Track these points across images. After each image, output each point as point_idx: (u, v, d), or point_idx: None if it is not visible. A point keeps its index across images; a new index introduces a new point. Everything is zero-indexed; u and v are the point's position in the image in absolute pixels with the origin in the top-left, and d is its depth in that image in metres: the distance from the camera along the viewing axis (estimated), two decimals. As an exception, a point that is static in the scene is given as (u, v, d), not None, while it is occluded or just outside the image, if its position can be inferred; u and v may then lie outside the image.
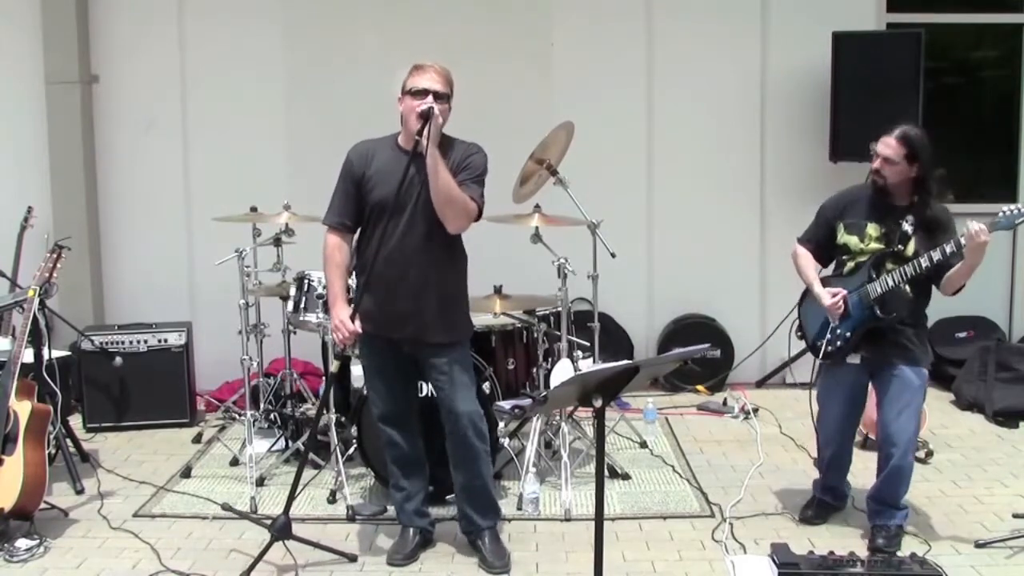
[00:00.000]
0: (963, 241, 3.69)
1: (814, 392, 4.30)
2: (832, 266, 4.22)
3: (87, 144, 6.38)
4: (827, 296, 4.02)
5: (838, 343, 4.05)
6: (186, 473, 4.94)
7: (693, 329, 6.48)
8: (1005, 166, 6.75)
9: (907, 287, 3.92)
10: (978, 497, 4.57)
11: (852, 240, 4.05)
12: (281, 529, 3.79)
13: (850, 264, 4.07)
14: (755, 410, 5.92)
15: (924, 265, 3.82)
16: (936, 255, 3.78)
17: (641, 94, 6.47)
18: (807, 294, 4.22)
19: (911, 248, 3.91)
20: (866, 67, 6.01)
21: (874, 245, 3.99)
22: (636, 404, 5.92)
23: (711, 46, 6.43)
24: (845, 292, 4.00)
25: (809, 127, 6.38)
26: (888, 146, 3.87)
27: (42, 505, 4.24)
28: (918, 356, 3.98)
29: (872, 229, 4.00)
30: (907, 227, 3.92)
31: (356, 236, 3.90)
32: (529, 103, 6.26)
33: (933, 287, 3.98)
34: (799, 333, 4.28)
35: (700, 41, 6.43)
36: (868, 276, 3.97)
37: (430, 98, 3.62)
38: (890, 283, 3.90)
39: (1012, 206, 3.71)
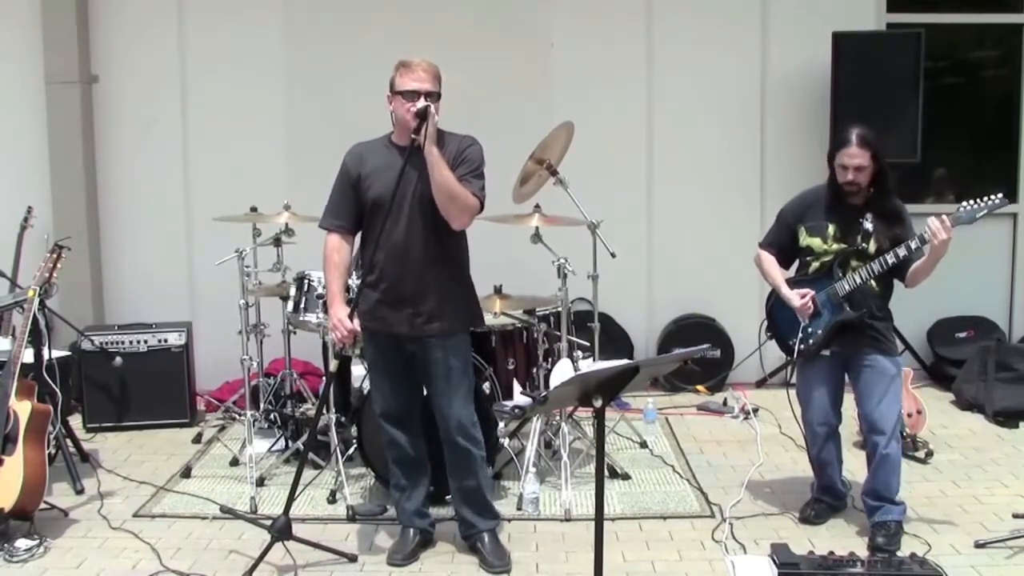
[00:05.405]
0: (927, 236, 3.75)
1: (792, 392, 4.33)
2: (795, 267, 4.26)
3: (87, 144, 6.38)
4: (796, 298, 4.08)
5: (810, 341, 4.11)
6: (186, 473, 4.94)
7: (693, 329, 6.48)
8: (1005, 166, 6.73)
9: (873, 282, 4.00)
10: (978, 497, 4.57)
11: (815, 242, 4.10)
12: (281, 529, 3.79)
13: (814, 265, 4.12)
14: (755, 410, 5.92)
15: (891, 262, 3.91)
16: (902, 251, 3.87)
17: (641, 94, 6.47)
18: (775, 295, 4.26)
19: (873, 245, 3.98)
20: (866, 67, 6.00)
21: (836, 245, 4.06)
22: (636, 404, 5.92)
23: (711, 46, 6.43)
24: (813, 293, 4.06)
25: (809, 127, 6.38)
26: (855, 156, 3.92)
27: (42, 505, 4.24)
28: (890, 346, 4.07)
29: (833, 229, 4.06)
30: (867, 225, 3.99)
31: (357, 238, 3.91)
32: (529, 103, 6.26)
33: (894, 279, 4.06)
34: (768, 333, 4.32)
35: (700, 41, 6.43)
36: (835, 275, 4.03)
37: (423, 98, 3.62)
38: (857, 280, 3.98)
39: (971, 201, 3.79)
